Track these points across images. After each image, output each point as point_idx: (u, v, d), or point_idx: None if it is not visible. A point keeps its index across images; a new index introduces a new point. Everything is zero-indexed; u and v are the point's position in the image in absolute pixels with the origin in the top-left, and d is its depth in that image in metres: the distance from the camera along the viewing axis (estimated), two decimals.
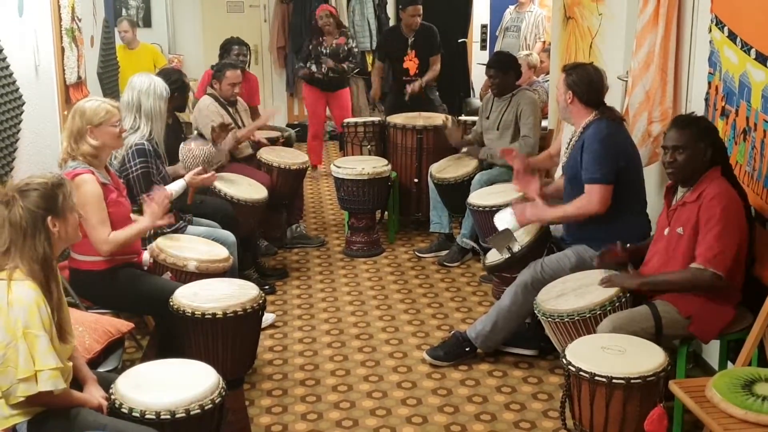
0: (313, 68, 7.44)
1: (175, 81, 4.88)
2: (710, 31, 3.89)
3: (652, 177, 4.46)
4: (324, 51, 7.36)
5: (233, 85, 5.62)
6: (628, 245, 3.64)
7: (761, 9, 3.45)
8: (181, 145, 4.62)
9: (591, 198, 3.83)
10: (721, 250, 3.18)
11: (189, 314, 3.40)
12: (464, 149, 5.81)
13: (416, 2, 6.83)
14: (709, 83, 3.92)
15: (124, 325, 3.52)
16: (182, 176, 4.43)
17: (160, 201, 3.84)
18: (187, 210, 4.57)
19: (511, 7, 8.95)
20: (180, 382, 2.82)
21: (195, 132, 5.55)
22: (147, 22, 9.69)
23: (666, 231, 3.43)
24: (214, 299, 3.45)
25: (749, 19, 3.55)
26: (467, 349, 4.18)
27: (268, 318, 4.61)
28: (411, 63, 6.95)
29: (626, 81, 4.64)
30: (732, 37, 3.69)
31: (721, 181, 3.28)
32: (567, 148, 4.08)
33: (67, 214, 2.69)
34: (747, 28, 3.57)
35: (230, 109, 5.66)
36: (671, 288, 3.34)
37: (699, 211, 3.25)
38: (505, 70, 5.55)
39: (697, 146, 3.30)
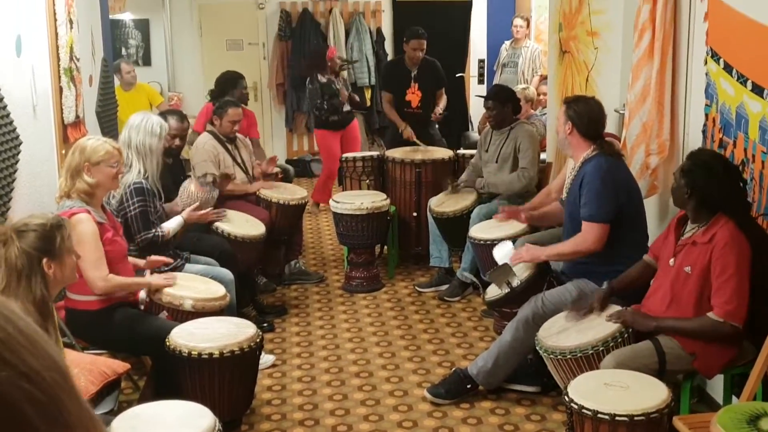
0: (332, 117, 7.38)
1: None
2: (706, 63, 3.89)
3: (651, 208, 4.43)
4: (336, 87, 7.34)
5: (234, 123, 5.60)
6: (608, 282, 3.64)
7: (756, 40, 3.46)
8: (183, 183, 4.62)
9: (587, 236, 3.81)
10: (739, 303, 3.15)
11: (185, 354, 3.37)
12: (459, 184, 5.81)
13: (419, 36, 6.84)
14: (706, 115, 3.92)
15: (120, 366, 3.48)
16: (179, 213, 4.43)
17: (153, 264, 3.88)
18: (185, 248, 4.55)
19: (507, 43, 9.01)
20: (175, 425, 2.78)
21: (192, 169, 5.53)
22: (146, 61, 9.75)
23: (671, 262, 3.39)
24: (210, 339, 3.42)
25: (745, 50, 3.56)
26: (469, 386, 4.12)
27: (267, 360, 4.56)
28: (413, 96, 6.96)
29: (623, 114, 4.65)
30: (728, 68, 3.69)
31: (731, 226, 3.23)
32: (568, 184, 4.07)
33: (64, 256, 2.68)
34: (743, 59, 3.58)
35: (229, 146, 5.65)
36: (689, 334, 3.29)
37: (711, 256, 3.21)
38: (504, 102, 5.56)
39: (680, 181, 3.34)
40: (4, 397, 0.74)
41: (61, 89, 4.73)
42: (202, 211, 4.43)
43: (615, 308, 3.54)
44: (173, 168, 4.98)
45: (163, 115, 4.85)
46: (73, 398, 0.81)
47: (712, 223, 3.26)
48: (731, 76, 3.66)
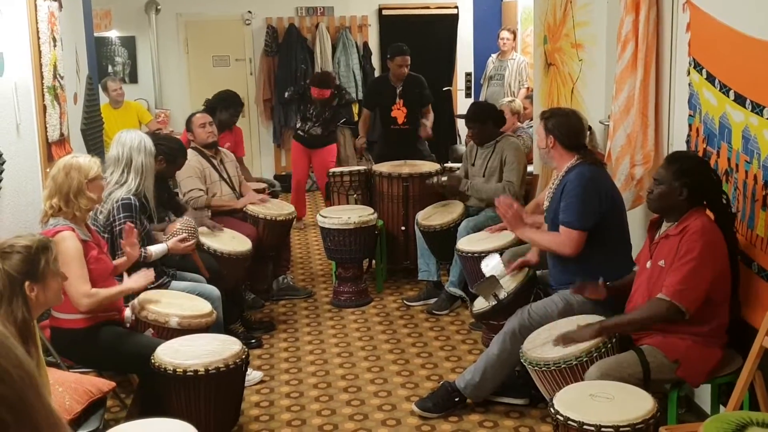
0: (298, 124, 7.56)
1: (171, 150, 4.89)
2: (689, 74, 3.91)
3: (637, 219, 4.44)
4: (311, 112, 7.40)
5: (203, 125, 5.60)
6: (608, 283, 3.63)
7: (738, 51, 3.48)
8: (169, 225, 4.61)
9: (564, 240, 3.82)
10: (689, 287, 3.17)
11: (170, 372, 3.34)
12: (444, 178, 5.81)
13: (403, 53, 6.87)
14: (690, 125, 3.93)
15: (105, 385, 3.45)
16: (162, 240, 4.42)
17: (129, 238, 3.83)
18: (171, 265, 4.53)
19: (494, 56, 9.04)
20: None
21: (178, 186, 5.52)
22: (133, 78, 9.76)
23: (648, 264, 3.42)
24: (195, 356, 3.40)
25: (727, 61, 3.58)
26: (457, 400, 4.11)
27: (254, 377, 4.53)
28: (399, 112, 6.98)
29: (608, 125, 4.66)
30: (710, 79, 3.71)
31: (705, 218, 3.27)
32: (549, 193, 4.08)
33: (48, 279, 2.66)
34: (725, 70, 3.59)
35: (214, 161, 5.64)
36: (634, 325, 3.32)
37: (679, 244, 3.24)
38: (483, 120, 5.58)
39: (672, 184, 3.31)
40: None
41: (45, 107, 4.72)
42: (188, 243, 4.42)
43: (595, 318, 3.54)
44: (157, 184, 4.95)
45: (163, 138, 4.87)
46: (38, 397, 0.82)
47: (686, 217, 3.29)
48: (714, 86, 3.68)
